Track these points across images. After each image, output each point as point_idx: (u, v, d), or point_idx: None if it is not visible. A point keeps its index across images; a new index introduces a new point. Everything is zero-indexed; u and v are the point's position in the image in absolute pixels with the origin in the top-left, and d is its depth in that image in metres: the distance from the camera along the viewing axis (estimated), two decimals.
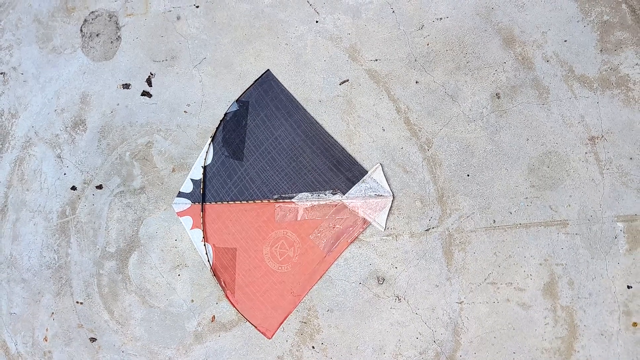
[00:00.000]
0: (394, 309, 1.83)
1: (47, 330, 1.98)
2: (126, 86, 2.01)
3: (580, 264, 1.76)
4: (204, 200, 1.95)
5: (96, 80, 2.03)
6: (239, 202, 1.94)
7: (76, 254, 1.99)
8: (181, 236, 1.95)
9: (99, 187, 2.00)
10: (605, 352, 1.72)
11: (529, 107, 1.81)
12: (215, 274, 1.92)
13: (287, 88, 1.94)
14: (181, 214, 1.96)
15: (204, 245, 1.94)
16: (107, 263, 1.98)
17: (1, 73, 2.09)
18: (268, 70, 1.95)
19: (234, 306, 1.91)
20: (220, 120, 1.96)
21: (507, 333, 1.77)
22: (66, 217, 2.00)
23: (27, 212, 2.03)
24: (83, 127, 2.02)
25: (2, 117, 2.08)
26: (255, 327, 1.89)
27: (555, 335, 1.75)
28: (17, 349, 1.99)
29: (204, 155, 1.95)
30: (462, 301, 1.81)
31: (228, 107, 1.96)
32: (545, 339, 1.76)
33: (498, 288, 1.79)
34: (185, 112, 1.98)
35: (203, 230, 1.94)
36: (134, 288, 1.96)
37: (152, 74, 1.99)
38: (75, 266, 1.99)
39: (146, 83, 2.00)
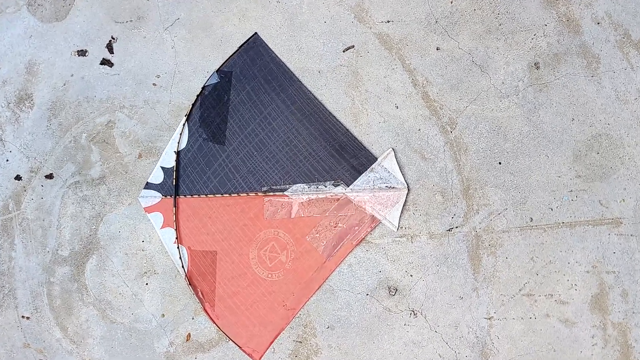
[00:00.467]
0: (409, 325, 1.65)
1: None
2: (82, 53, 1.80)
3: (636, 272, 1.57)
4: (177, 193, 1.77)
5: (45, 45, 1.82)
6: (219, 195, 1.76)
7: (21, 258, 1.78)
8: (150, 237, 1.76)
9: (49, 176, 1.80)
10: None
11: (575, 80, 1.62)
12: (191, 283, 1.74)
13: (278, 56, 1.74)
14: (149, 209, 1.77)
15: (178, 247, 1.75)
16: (60, 269, 1.77)
17: None
18: (256, 33, 1.77)
19: (214, 322, 1.73)
20: (197, 95, 1.77)
21: (546, 356, 1.59)
22: (9, 213, 1.80)
23: None
24: (29, 103, 1.82)
25: None
26: (240, 347, 1.71)
27: (605, 358, 1.56)
28: None
29: (177, 138, 1.77)
30: (492, 316, 1.63)
31: (207, 79, 1.77)
32: None
33: (535, 301, 1.61)
34: (154, 85, 1.78)
35: (176, 230, 1.76)
36: (91, 300, 1.76)
37: (113, 39, 1.79)
38: (21, 273, 1.78)
39: (106, 49, 1.79)
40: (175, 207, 1.77)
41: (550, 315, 1.58)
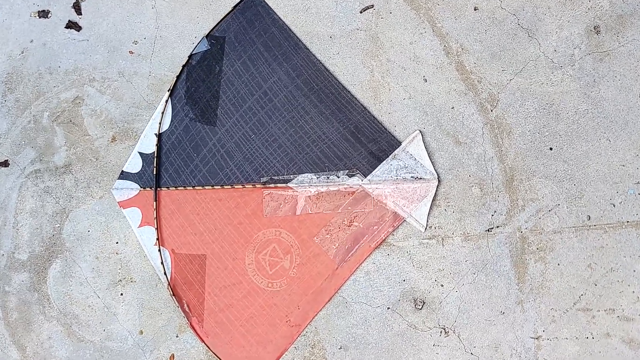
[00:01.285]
0: (439, 346, 1.48)
1: None
2: (43, 14, 1.63)
3: None
4: (158, 184, 1.59)
5: (0, 5, 1.64)
6: (209, 187, 1.59)
7: None
8: (125, 237, 1.58)
9: (4, 163, 1.62)
10: None
11: None
12: (174, 293, 1.56)
13: (281, 17, 1.56)
14: (125, 204, 1.60)
15: (159, 250, 1.57)
16: (16, 276, 1.61)
17: None
18: None
19: (202, 341, 1.55)
20: (183, 66, 1.59)
21: None
22: None
23: None
24: None
25: None
26: None
27: None
28: None
29: (159, 117, 1.58)
30: (540, 336, 1.46)
31: (194, 46, 1.59)
32: None
33: (594, 317, 1.44)
34: (131, 52, 1.60)
35: (157, 229, 1.58)
36: (55, 313, 1.59)
37: None
38: None
39: (73, 9, 1.61)
40: (156, 201, 1.59)
41: (612, 335, 1.41)
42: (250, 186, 1.55)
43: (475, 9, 1.48)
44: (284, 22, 1.55)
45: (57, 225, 1.59)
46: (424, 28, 1.49)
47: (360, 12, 1.52)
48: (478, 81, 1.47)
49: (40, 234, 1.58)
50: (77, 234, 1.58)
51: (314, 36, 1.53)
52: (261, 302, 1.53)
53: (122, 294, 1.55)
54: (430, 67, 1.49)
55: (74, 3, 1.58)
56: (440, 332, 1.45)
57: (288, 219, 1.54)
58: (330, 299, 1.51)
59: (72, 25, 1.60)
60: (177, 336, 1.53)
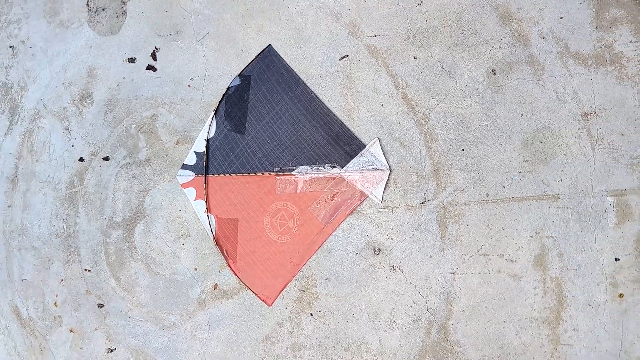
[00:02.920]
0: (389, 278, 2.01)
1: (56, 296, 2.20)
2: (132, 60, 2.17)
3: (570, 237, 1.92)
4: (207, 172, 2.11)
5: (102, 54, 2.20)
6: (240, 174, 2.10)
7: (84, 223, 2.19)
8: (185, 207, 2.13)
9: (106, 158, 2.18)
10: (592, 322, 1.91)
11: (524, 84, 1.96)
12: (217, 244, 2.10)
13: (288, 63, 2.09)
14: (185, 185, 2.13)
15: (207, 216, 2.11)
16: (114, 232, 2.17)
17: (10, 46, 2.31)
18: (270, 45, 2.10)
19: (236, 274, 2.09)
20: (223, 94, 2.11)
21: (498, 303, 1.95)
22: (74, 187, 2.20)
23: (36, 182, 2.26)
24: (90, 100, 2.20)
25: (12, 89, 2.30)
26: (256, 294, 2.07)
27: (544, 305, 1.93)
28: (28, 313, 2.24)
29: (207, 128, 2.12)
30: (455, 272, 1.98)
31: (230, 81, 2.11)
32: (535, 309, 1.93)
33: (490, 259, 1.96)
34: (189, 85, 2.14)
35: (206, 202, 2.11)
36: (139, 256, 2.15)
37: (156, 49, 2.16)
38: (83, 235, 2.19)
39: (151, 57, 2.16)
40: (205, 183, 2.11)
41: (502, 271, 1.93)
42: (267, 174, 2.07)
43: (414, 58, 2.01)
44: (289, 65, 2.07)
45: (140, 199, 2.14)
46: (381, 70, 2.02)
47: (339, 60, 2.05)
48: (416, 105, 2.00)
49: (129, 204, 2.14)
50: (154, 205, 2.13)
51: (309, 75, 2.06)
52: (274, 249, 2.07)
53: (183, 244, 2.11)
54: (385, 96, 2.01)
55: (152, 53, 2.13)
56: (390, 269, 1.99)
57: (292, 195, 2.07)
58: (319, 247, 2.04)
59: (150, 67, 2.14)
60: (219, 271, 2.09)
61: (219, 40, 2.13)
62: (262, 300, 2.07)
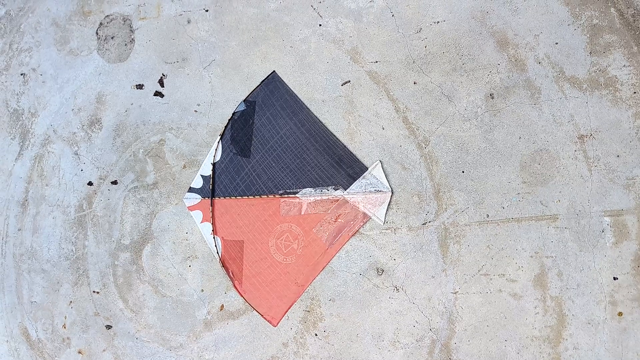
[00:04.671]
0: (392, 298, 2.15)
1: (65, 318, 2.35)
2: (140, 86, 2.34)
3: (569, 257, 2.06)
4: (213, 195, 2.26)
5: (111, 81, 2.37)
6: (246, 197, 2.25)
7: (93, 246, 2.34)
8: (192, 229, 2.28)
9: (114, 182, 2.34)
10: (592, 340, 2.05)
11: (522, 107, 2.11)
12: (224, 265, 2.24)
13: (291, 88, 2.25)
14: (192, 208, 2.28)
15: (213, 238, 2.25)
16: (122, 254, 2.32)
17: (22, 74, 2.49)
18: (274, 71, 2.27)
19: (242, 295, 2.22)
20: (229, 119, 2.27)
21: (500, 322, 2.08)
22: (83, 211, 2.36)
23: (46, 206, 2.42)
24: (99, 125, 2.37)
25: (23, 116, 2.48)
26: (262, 315, 2.21)
27: (545, 324, 2.06)
28: (37, 335, 2.38)
29: (213, 152, 2.27)
30: (457, 291, 2.11)
31: (236, 106, 2.28)
32: (536, 328, 2.06)
33: (491, 279, 2.09)
34: (195, 111, 2.31)
35: (212, 224, 2.25)
36: (147, 278, 2.29)
37: (164, 75, 2.33)
38: (92, 257, 2.34)
39: (158, 84, 2.33)
40: (211, 206, 2.25)
41: (503, 290, 2.05)
42: (272, 196, 2.21)
43: (414, 83, 2.16)
44: (293, 91, 2.22)
45: (148, 222, 2.28)
46: (382, 95, 2.17)
47: (342, 85, 2.20)
48: (416, 129, 2.14)
49: (137, 227, 2.28)
50: (161, 227, 2.27)
51: (313, 100, 2.22)
52: (279, 270, 2.20)
53: (190, 266, 2.24)
54: (386, 120, 2.16)
55: (159, 79, 2.29)
56: (393, 290, 2.12)
57: (296, 217, 2.20)
58: (323, 268, 2.17)
59: (158, 94, 2.30)
60: (225, 293, 2.21)
61: (225, 67, 2.29)
62: (268, 321, 2.20)
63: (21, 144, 2.46)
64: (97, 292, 2.32)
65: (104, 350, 2.28)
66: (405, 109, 2.20)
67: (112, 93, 2.37)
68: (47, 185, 2.41)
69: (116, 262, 2.31)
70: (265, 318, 2.21)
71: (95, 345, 2.30)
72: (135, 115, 2.34)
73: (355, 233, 2.21)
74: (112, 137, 2.35)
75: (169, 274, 2.28)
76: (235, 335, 2.23)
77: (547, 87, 2.12)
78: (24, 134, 2.46)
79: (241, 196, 2.27)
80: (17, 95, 2.48)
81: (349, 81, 2.25)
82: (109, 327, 2.31)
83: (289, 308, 2.22)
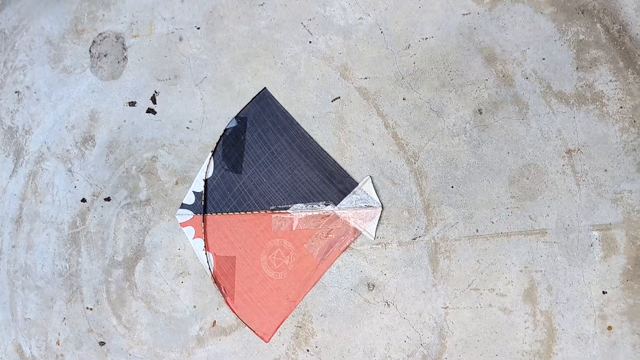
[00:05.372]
0: (383, 313, 2.19)
1: (59, 334, 2.40)
2: (132, 104, 2.41)
3: (558, 271, 2.11)
4: (205, 211, 2.32)
5: (104, 98, 2.44)
6: (237, 212, 2.30)
7: (86, 262, 2.39)
8: (184, 245, 2.33)
9: (107, 199, 2.40)
10: (582, 354, 2.09)
11: (510, 122, 2.17)
12: (216, 281, 2.29)
13: (282, 105, 2.32)
14: (184, 224, 2.33)
15: (205, 254, 2.30)
16: (115, 271, 2.37)
17: (16, 92, 2.56)
18: (265, 88, 2.33)
19: (234, 311, 2.27)
20: (220, 136, 2.33)
21: (490, 336, 2.13)
22: (77, 227, 2.42)
23: (40, 222, 2.48)
24: (92, 142, 2.43)
25: (17, 133, 2.55)
26: (254, 331, 2.25)
27: (535, 339, 2.10)
28: (31, 352, 2.44)
29: (205, 168, 2.33)
30: (447, 306, 2.15)
31: (227, 123, 2.34)
32: (526, 342, 2.11)
33: (481, 294, 2.14)
34: (187, 128, 2.37)
35: (204, 240, 2.30)
36: (140, 294, 2.34)
37: (156, 92, 2.39)
38: (86, 274, 2.39)
39: (151, 101, 2.40)
40: (203, 222, 2.30)
41: (493, 305, 2.09)
42: (263, 212, 2.26)
43: (403, 99, 2.22)
44: (284, 107, 2.29)
45: (141, 238, 2.33)
46: (372, 111, 2.23)
47: (332, 102, 2.27)
48: (406, 144, 2.20)
49: (130, 243, 2.33)
50: (154, 244, 2.32)
51: (303, 117, 2.28)
52: (271, 286, 2.24)
53: (182, 282, 2.29)
54: (375, 136, 2.22)
55: (152, 97, 2.35)
56: (384, 305, 2.16)
57: (287, 233, 2.25)
58: (315, 284, 2.22)
59: (150, 110, 2.36)
60: (217, 309, 2.25)
61: (216, 84, 2.35)
62: (260, 337, 2.25)
63: (15, 161, 2.52)
64: (91, 309, 2.37)
65: None
66: (394, 125, 2.26)
67: (105, 110, 2.43)
68: (41, 202, 2.47)
69: (109, 279, 2.36)
70: (257, 334, 2.26)
71: None
72: (128, 132, 2.40)
73: (346, 248, 2.26)
74: (105, 154, 2.41)
75: (161, 290, 2.33)
76: (228, 352, 2.28)
77: (534, 102, 2.17)
78: (18, 151, 2.52)
79: (233, 212, 2.32)
80: (11, 112, 2.54)
81: (339, 97, 2.31)
82: (102, 343, 2.36)
83: (281, 324, 2.27)
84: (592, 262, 2.11)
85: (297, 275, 2.27)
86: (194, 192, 2.35)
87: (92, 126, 2.42)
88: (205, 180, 2.34)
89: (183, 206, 2.35)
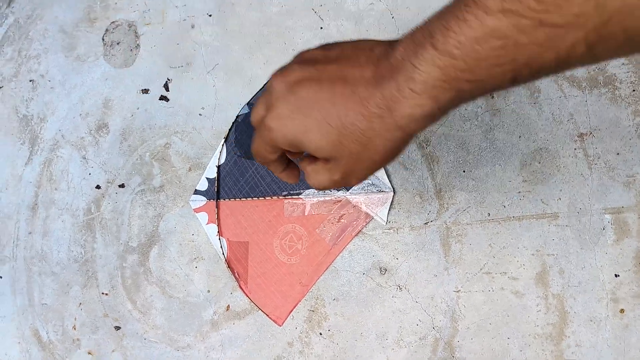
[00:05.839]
0: (396, 297, 2.22)
1: (75, 319, 2.46)
2: (145, 91, 2.45)
3: (570, 254, 2.13)
4: (218, 197, 2.36)
5: (117, 86, 2.47)
6: (250, 198, 2.34)
7: (101, 248, 2.44)
8: (198, 231, 2.37)
9: (122, 186, 2.44)
10: (594, 337, 2.12)
11: (521, 106, 2.18)
12: (229, 266, 2.33)
13: None
14: (197, 210, 2.37)
15: (219, 239, 2.34)
16: (130, 257, 2.42)
17: (30, 80, 2.61)
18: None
19: (247, 295, 2.31)
20: (233, 122, 2.37)
21: (502, 320, 2.15)
22: (91, 214, 2.47)
23: (55, 209, 2.54)
24: (106, 130, 2.48)
25: (32, 121, 2.60)
26: (267, 315, 2.29)
27: (547, 322, 2.13)
28: (48, 337, 2.50)
29: (218, 155, 2.37)
30: (459, 290, 2.18)
31: (240, 109, 2.37)
32: (538, 325, 2.13)
33: (493, 277, 2.16)
34: (200, 114, 2.40)
35: (218, 225, 2.35)
36: (154, 280, 2.38)
37: (169, 80, 2.43)
38: (101, 260, 2.44)
39: (164, 88, 2.43)
40: (217, 208, 2.34)
41: (505, 289, 2.11)
42: (276, 198, 2.29)
43: None
44: None
45: (155, 224, 2.37)
46: None
47: None
48: None
49: (144, 229, 2.38)
50: (168, 229, 2.35)
51: None
52: (284, 270, 2.28)
53: (196, 267, 2.32)
54: None
55: (164, 84, 2.39)
56: (396, 289, 2.19)
57: (300, 218, 2.29)
58: (327, 268, 2.26)
59: (163, 98, 2.39)
60: (231, 293, 2.29)
61: (228, 71, 2.38)
62: (273, 321, 2.29)
63: (30, 149, 2.57)
64: (106, 294, 2.42)
65: (113, 351, 2.38)
66: None
67: (118, 98, 2.47)
68: (56, 189, 2.52)
69: (124, 264, 2.41)
70: (270, 318, 2.30)
71: (104, 346, 2.41)
72: (141, 119, 2.44)
73: (358, 233, 2.29)
74: (119, 141, 2.46)
75: (175, 275, 2.37)
76: (242, 335, 2.32)
77: (546, 86, 2.19)
78: (33, 139, 2.57)
79: (245, 198, 2.36)
80: (26, 101, 2.60)
81: None
82: (117, 328, 2.41)
83: (294, 308, 2.30)
84: (604, 245, 2.13)
85: (309, 259, 2.31)
86: (207, 178, 2.38)
87: (105, 114, 2.47)
88: (218, 167, 2.38)
89: (196, 192, 2.38)
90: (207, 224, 2.37)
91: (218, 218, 2.37)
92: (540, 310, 2.15)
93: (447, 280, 2.20)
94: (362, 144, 0.84)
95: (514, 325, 2.15)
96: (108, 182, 2.49)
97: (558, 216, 2.17)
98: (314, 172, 1.09)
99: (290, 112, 0.87)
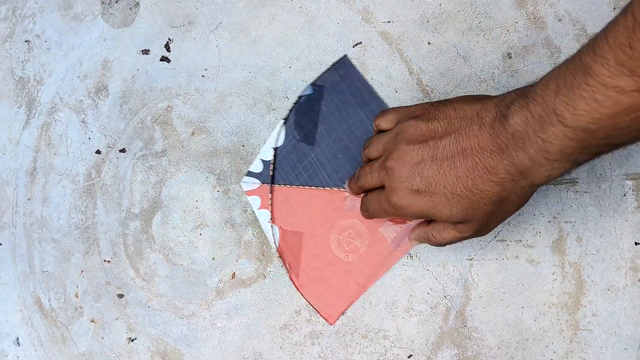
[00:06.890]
0: (406, 265, 2.16)
1: (77, 287, 2.43)
2: (146, 52, 2.36)
3: (589, 221, 2.08)
4: (273, 182, 2.21)
5: (116, 46, 2.40)
6: (308, 187, 2.18)
7: (102, 215, 2.40)
8: (201, 197, 2.31)
9: (122, 150, 2.38)
10: (612, 307, 2.08)
11: (540, 67, 2.06)
12: (280, 255, 2.21)
13: (362, 75, 2.24)
14: (250, 193, 2.23)
15: (271, 226, 2.21)
16: (132, 223, 2.37)
17: (26, 41, 2.53)
18: (345, 55, 2.21)
19: (299, 290, 2.20)
20: (294, 103, 2.22)
21: (516, 288, 2.10)
22: (92, 179, 2.41)
23: (55, 175, 2.49)
24: (105, 92, 2.40)
25: (29, 84, 2.53)
26: (319, 312, 2.17)
27: (563, 291, 2.08)
28: (50, 304, 2.47)
29: (276, 136, 2.21)
30: (472, 258, 2.13)
31: (304, 90, 2.21)
32: (553, 294, 2.09)
33: (507, 245, 2.11)
34: (202, 76, 2.32)
35: (271, 212, 2.21)
36: (158, 247, 2.33)
37: (170, 40, 2.35)
38: (102, 226, 2.40)
39: (165, 48, 2.35)
40: (271, 193, 2.19)
41: (519, 257, 2.07)
42: (336, 189, 2.11)
43: (428, 43, 2.15)
44: (365, 79, 2.17)
45: (157, 190, 2.30)
46: (395, 56, 2.17)
47: (353, 47, 2.19)
48: (431, 91, 2.14)
49: (147, 196, 2.32)
50: (171, 195, 2.29)
51: (323, 64, 2.20)
52: (340, 267, 2.12)
53: (200, 234, 2.26)
54: (399, 82, 2.16)
55: (165, 44, 2.31)
56: (407, 256, 2.13)
57: (361, 215, 1.99)
58: (387, 270, 2.15)
59: (164, 59, 2.31)
60: (236, 261, 2.23)
61: (232, 30, 2.31)
62: (325, 319, 2.18)
63: (28, 112, 2.52)
64: (108, 261, 2.39)
65: (116, 319, 2.36)
66: (419, 71, 2.19)
67: (117, 59, 2.40)
68: (55, 154, 2.47)
69: (126, 231, 2.37)
70: (322, 316, 2.17)
71: (107, 313, 2.39)
72: (141, 81, 2.37)
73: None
74: (119, 104, 2.39)
75: (179, 242, 2.33)
76: (247, 303, 2.29)
77: (567, 45, 2.10)
78: (30, 102, 2.51)
79: (302, 186, 2.20)
80: (22, 62, 2.53)
81: (360, 42, 2.24)
82: (120, 295, 2.38)
83: (347, 307, 2.18)
84: (625, 212, 2.07)
85: (368, 259, 2.16)
86: (262, 160, 2.23)
87: (104, 75, 2.40)
88: (275, 149, 2.22)
89: (249, 174, 2.23)
90: (259, 208, 2.22)
91: (272, 204, 2.22)
92: (556, 279, 2.10)
93: (460, 248, 2.14)
94: (496, 203, 0.95)
95: (528, 294, 2.10)
96: (108, 147, 2.43)
97: (577, 182, 2.09)
98: (435, 231, 1.23)
99: (417, 193, 1.00)
